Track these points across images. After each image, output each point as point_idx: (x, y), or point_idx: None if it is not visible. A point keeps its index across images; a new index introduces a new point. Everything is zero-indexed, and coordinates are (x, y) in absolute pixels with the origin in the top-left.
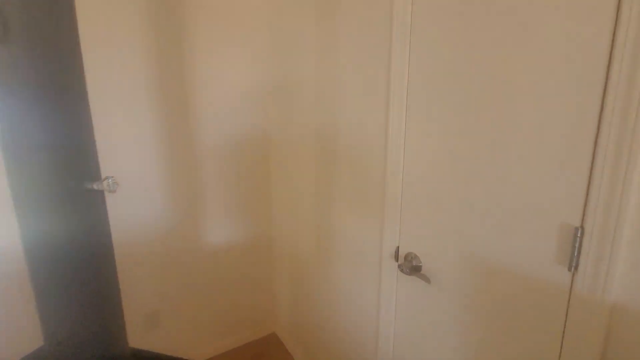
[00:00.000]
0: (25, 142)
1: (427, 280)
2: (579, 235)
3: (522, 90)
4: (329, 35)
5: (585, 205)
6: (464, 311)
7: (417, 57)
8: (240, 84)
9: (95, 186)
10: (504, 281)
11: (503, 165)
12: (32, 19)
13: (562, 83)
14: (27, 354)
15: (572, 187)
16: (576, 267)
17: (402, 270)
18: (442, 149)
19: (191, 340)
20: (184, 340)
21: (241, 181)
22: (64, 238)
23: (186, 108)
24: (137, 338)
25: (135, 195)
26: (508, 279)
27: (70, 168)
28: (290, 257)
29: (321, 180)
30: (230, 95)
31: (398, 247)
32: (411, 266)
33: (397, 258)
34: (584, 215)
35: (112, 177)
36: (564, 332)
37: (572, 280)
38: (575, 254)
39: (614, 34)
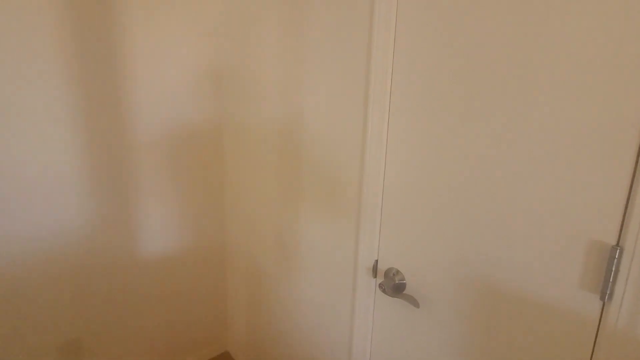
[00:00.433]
0: None
1: (414, 302)
2: (616, 256)
3: (542, 80)
4: (297, 14)
5: (625, 218)
6: (461, 343)
7: (405, 42)
8: (186, 64)
9: None
10: (512, 308)
11: (513, 167)
12: None
13: (601, 74)
14: None
15: (607, 195)
16: (610, 296)
17: (383, 290)
18: (434, 146)
19: None
20: None
21: (188, 180)
22: None
23: (115, 92)
24: None
25: (40, 196)
26: (518, 306)
27: None
28: (247, 266)
29: (284, 180)
30: (175, 77)
31: (377, 260)
32: (393, 284)
33: (375, 273)
34: (622, 230)
35: None
36: None
37: (603, 311)
38: (610, 279)
39: None
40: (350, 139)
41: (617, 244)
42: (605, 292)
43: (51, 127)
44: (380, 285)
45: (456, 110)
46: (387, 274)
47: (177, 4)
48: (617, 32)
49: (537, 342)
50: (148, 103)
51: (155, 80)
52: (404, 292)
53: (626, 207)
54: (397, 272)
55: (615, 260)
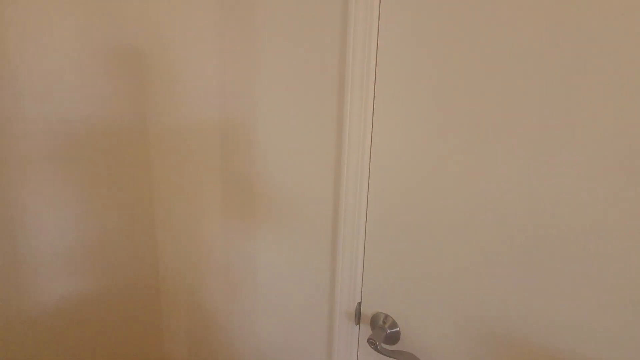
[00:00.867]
0: None
1: None
2: None
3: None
4: None
5: None
6: None
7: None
8: (84, 34)
9: None
10: None
11: (569, 174)
12: None
13: None
14: None
15: None
16: None
17: (375, 347)
18: (443, 148)
19: None
20: None
21: (100, 193)
22: None
23: None
24: None
25: None
26: None
27: None
28: (188, 303)
29: (233, 194)
30: (67, 54)
31: (359, 303)
32: (385, 335)
33: (358, 319)
34: None
35: None
36: None
37: None
38: None
39: None
40: (320, 139)
41: None
42: None
43: None
44: (371, 341)
45: (467, 98)
46: (374, 321)
47: None
48: None
49: None
50: (35, 90)
51: (44, 57)
52: (398, 343)
53: None
54: (387, 317)
55: None
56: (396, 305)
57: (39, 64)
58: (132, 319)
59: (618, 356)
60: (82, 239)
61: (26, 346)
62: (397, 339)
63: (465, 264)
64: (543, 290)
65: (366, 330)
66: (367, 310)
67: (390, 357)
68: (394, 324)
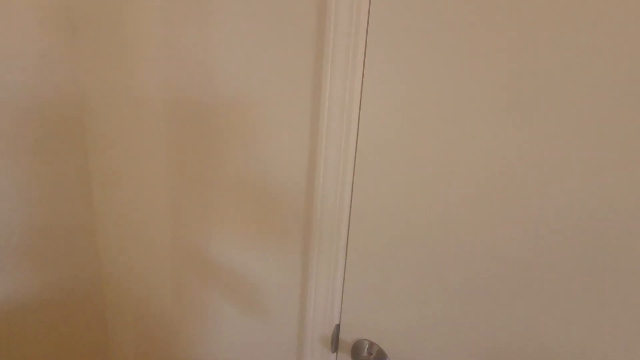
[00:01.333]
0: None
1: None
2: None
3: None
4: None
5: None
6: None
7: None
8: None
9: None
10: None
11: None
12: None
13: None
14: None
15: None
16: None
17: None
18: (450, 133)
19: None
20: None
21: (30, 184)
22: None
23: None
24: None
25: None
26: None
27: None
28: (136, 311)
29: (186, 182)
30: None
31: (338, 326)
32: None
33: (335, 347)
34: None
35: None
36: None
37: None
38: None
39: None
40: (291, 113)
41: None
42: None
43: None
44: None
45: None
46: (356, 350)
47: None
48: None
49: None
50: None
51: None
52: None
53: None
54: (372, 345)
55: None
56: (385, 330)
57: None
58: (72, 328)
59: None
60: (8, 235)
61: None
62: None
63: (481, 286)
64: (542, 312)
65: None
66: (348, 336)
67: None
68: (382, 354)
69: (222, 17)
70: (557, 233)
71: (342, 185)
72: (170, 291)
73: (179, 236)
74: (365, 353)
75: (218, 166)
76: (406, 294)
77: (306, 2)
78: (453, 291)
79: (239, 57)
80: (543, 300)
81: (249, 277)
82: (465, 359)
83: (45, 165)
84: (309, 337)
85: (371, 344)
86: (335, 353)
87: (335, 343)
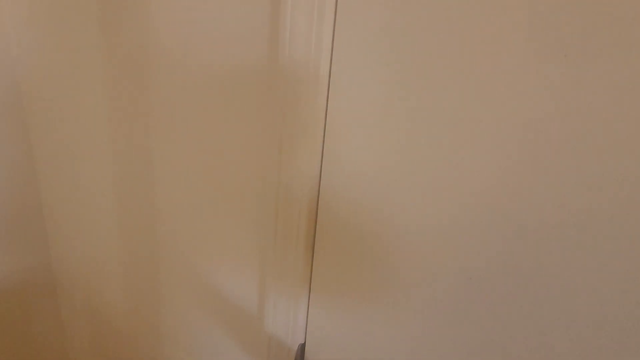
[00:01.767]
0: None
1: None
2: None
3: None
4: None
5: None
6: None
7: None
8: None
9: None
10: None
11: None
12: None
13: None
14: None
15: None
16: None
17: None
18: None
19: None
20: None
21: None
22: None
23: None
24: None
25: None
26: None
27: None
28: (88, 304)
29: (130, 161)
30: None
31: (303, 345)
32: None
33: None
34: None
35: None
36: None
37: None
38: None
39: None
40: (245, 71)
41: None
42: None
43: None
44: None
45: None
46: None
47: None
48: None
49: None
50: None
51: None
52: None
53: None
54: None
55: None
56: (360, 350)
57: None
58: (24, 316)
59: None
60: None
61: None
62: None
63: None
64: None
65: None
66: (314, 357)
67: None
68: None
69: None
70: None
71: (306, 169)
72: (122, 278)
73: (126, 220)
74: None
75: (167, 132)
76: (393, 309)
77: None
78: (441, 308)
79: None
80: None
81: (202, 275)
82: None
83: None
84: (265, 357)
85: None
86: None
87: None
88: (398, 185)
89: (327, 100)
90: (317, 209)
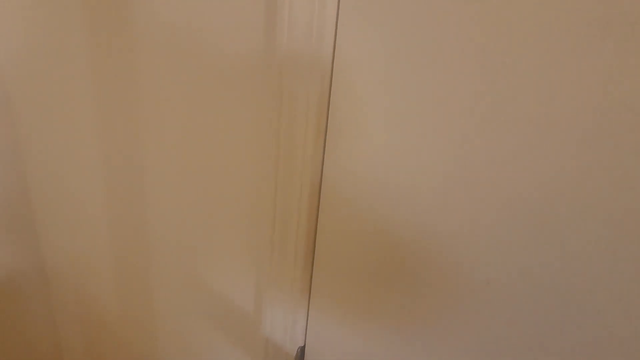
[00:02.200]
0: None
1: None
2: None
3: None
4: None
5: None
6: None
7: None
8: None
9: None
10: None
11: None
12: None
13: None
14: None
15: None
16: None
17: None
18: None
19: None
20: None
21: None
22: None
23: None
24: None
25: None
26: None
27: None
28: (79, 303)
29: (118, 154)
30: None
31: (302, 348)
32: None
33: None
34: None
35: None
36: None
37: None
38: None
39: None
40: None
41: None
42: None
43: None
44: None
45: None
46: None
47: None
48: None
49: None
50: None
51: None
52: None
53: None
54: None
55: None
56: (370, 355)
57: None
58: (16, 317)
59: None
60: None
61: None
62: None
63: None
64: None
65: None
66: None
67: None
68: None
69: None
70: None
71: (307, 159)
72: (114, 280)
73: (118, 220)
74: None
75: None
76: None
77: None
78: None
79: None
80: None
81: (193, 266)
82: None
83: None
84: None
85: None
86: None
87: None
88: (409, 186)
89: (329, 95)
90: (318, 208)
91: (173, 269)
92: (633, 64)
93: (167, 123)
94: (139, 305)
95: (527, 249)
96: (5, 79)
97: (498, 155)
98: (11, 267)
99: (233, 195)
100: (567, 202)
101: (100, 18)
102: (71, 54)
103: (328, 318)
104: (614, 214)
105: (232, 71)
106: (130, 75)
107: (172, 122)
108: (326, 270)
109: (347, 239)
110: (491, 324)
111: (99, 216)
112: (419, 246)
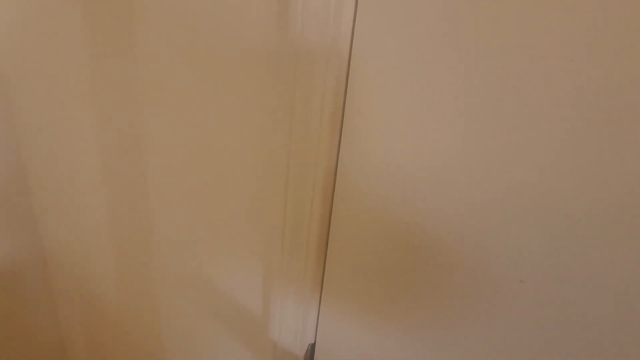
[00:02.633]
0: None
1: None
2: None
3: None
4: None
5: None
6: None
7: None
8: None
9: None
10: None
11: None
12: None
13: None
14: None
15: None
16: None
17: None
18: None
19: None
20: None
21: None
22: None
23: None
24: None
25: None
26: None
27: None
28: (81, 296)
29: (117, 146)
30: None
31: (313, 345)
32: None
33: None
34: None
35: None
36: None
37: None
38: None
39: None
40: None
41: None
42: None
43: None
44: None
45: None
46: None
47: None
48: None
49: None
50: None
51: None
52: None
53: None
54: None
55: None
56: (381, 353)
57: None
58: (18, 308)
59: None
60: None
61: None
62: None
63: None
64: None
65: None
66: (325, 358)
67: None
68: None
69: None
70: None
71: (319, 152)
72: (117, 276)
73: (120, 214)
74: None
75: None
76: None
77: None
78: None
79: None
80: None
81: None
82: None
83: None
84: (270, 357)
85: None
86: None
87: None
88: (429, 180)
89: (346, 87)
90: (332, 201)
91: (179, 262)
92: (633, 64)
93: (175, 116)
94: (143, 300)
95: (558, 245)
96: (4, 67)
97: (523, 147)
98: (12, 259)
99: (243, 188)
100: (603, 205)
101: (106, 3)
102: (73, 38)
103: (340, 315)
104: None
105: (240, 63)
106: (140, 62)
107: (183, 114)
108: (339, 264)
109: (363, 232)
110: (520, 323)
111: (101, 209)
112: (438, 241)
